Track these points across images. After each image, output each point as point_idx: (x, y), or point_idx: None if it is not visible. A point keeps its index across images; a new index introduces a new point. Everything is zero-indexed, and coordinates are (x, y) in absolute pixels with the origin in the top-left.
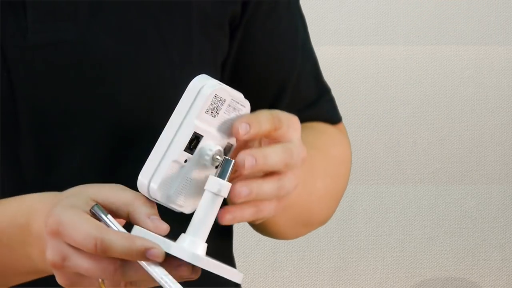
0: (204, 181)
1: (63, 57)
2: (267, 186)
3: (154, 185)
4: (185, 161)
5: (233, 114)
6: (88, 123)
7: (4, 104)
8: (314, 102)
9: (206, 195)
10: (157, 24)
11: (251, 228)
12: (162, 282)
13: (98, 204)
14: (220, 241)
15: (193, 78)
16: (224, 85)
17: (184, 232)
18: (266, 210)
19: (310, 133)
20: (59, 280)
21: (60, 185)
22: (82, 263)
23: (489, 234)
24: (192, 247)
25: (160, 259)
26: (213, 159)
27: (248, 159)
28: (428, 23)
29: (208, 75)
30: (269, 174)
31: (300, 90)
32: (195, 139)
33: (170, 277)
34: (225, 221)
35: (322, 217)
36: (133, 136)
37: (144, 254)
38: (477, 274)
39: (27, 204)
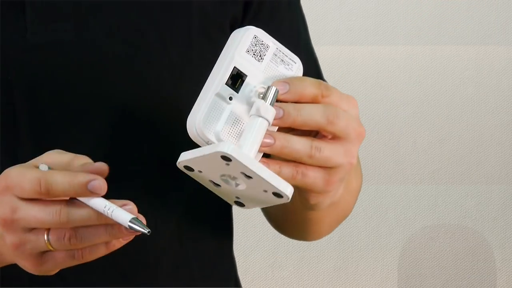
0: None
1: (62, 57)
2: (299, 139)
3: (200, 120)
4: (230, 98)
5: (281, 67)
6: (87, 123)
7: (2, 105)
8: None
9: (251, 119)
10: (157, 24)
11: (251, 228)
12: (105, 211)
13: (43, 164)
14: (221, 240)
15: (193, 78)
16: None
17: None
18: (309, 176)
19: None
20: (9, 240)
21: None
22: (30, 211)
23: (489, 234)
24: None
25: (103, 191)
26: (258, 95)
27: (280, 108)
28: (428, 23)
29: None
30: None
31: None
32: (239, 78)
33: (113, 204)
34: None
35: (351, 211)
36: (133, 137)
37: (86, 187)
38: (477, 274)
39: None
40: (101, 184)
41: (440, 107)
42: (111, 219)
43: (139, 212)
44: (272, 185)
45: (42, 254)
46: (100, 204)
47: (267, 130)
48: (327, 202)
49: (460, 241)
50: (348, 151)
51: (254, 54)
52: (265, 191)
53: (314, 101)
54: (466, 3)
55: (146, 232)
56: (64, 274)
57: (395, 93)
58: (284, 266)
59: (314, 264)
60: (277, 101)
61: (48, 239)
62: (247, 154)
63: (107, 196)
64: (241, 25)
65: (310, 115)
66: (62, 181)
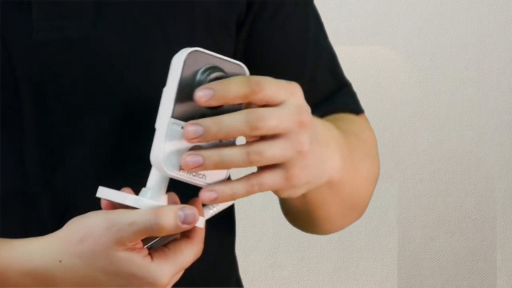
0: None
1: (68, 54)
2: (232, 151)
3: (163, 157)
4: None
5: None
6: (92, 120)
7: (8, 101)
8: (332, 96)
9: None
10: (161, 22)
11: (251, 228)
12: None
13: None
14: (222, 239)
15: None
16: (202, 49)
17: None
18: (267, 182)
19: (340, 121)
20: None
21: (63, 182)
22: None
23: (489, 234)
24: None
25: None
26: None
27: (192, 128)
28: (428, 23)
29: None
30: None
31: (317, 84)
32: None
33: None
34: (204, 199)
35: (367, 199)
36: (138, 133)
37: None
38: (477, 274)
39: (48, 277)
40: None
41: (440, 107)
42: None
43: None
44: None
45: None
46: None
47: (193, 150)
48: (300, 191)
49: (460, 241)
50: (294, 142)
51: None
52: None
53: (245, 100)
54: (466, 3)
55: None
56: None
57: (395, 93)
58: (284, 266)
59: (314, 264)
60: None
61: None
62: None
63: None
64: (243, 24)
65: (231, 126)
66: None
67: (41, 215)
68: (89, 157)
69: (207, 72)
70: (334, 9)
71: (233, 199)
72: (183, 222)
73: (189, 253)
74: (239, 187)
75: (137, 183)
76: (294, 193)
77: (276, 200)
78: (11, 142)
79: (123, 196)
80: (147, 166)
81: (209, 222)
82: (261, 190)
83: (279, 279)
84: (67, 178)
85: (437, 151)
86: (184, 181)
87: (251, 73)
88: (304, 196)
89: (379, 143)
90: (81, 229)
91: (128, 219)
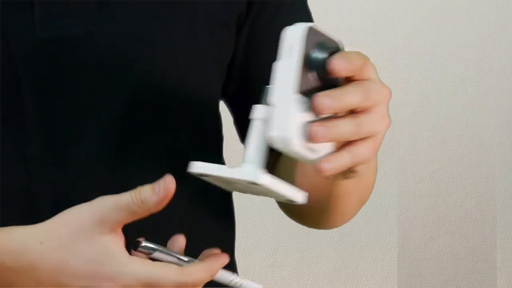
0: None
1: (70, 52)
2: (344, 123)
3: (291, 131)
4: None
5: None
6: (95, 118)
7: (11, 100)
8: None
9: (253, 124)
10: (163, 21)
11: (251, 228)
12: (232, 283)
13: (142, 241)
14: (223, 239)
15: (198, 75)
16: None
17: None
18: (362, 153)
19: None
20: None
21: (67, 180)
22: None
23: (489, 234)
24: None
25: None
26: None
27: (323, 100)
28: (428, 23)
29: (212, 73)
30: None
31: None
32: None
33: (238, 277)
34: (324, 169)
35: (371, 190)
36: (140, 131)
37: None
38: (477, 274)
39: (28, 259)
40: (225, 261)
41: (440, 107)
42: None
43: None
44: (290, 197)
45: None
46: (227, 276)
47: (320, 121)
48: (368, 167)
49: (460, 241)
50: (382, 114)
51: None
52: (277, 196)
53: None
54: (466, 3)
55: None
56: None
57: (395, 93)
58: (284, 266)
59: (314, 264)
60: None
61: None
62: (272, 178)
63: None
64: (244, 23)
65: (352, 98)
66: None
67: (44, 212)
68: (92, 155)
69: (323, 48)
70: (334, 9)
71: (343, 169)
72: (160, 191)
73: (171, 274)
74: (346, 158)
75: (137, 181)
76: (366, 167)
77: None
78: (14, 140)
79: (222, 168)
80: (150, 163)
81: (209, 222)
82: (358, 162)
83: (279, 279)
84: (70, 175)
85: (437, 151)
86: (299, 157)
87: (251, 72)
88: (332, 186)
89: None
90: (67, 215)
91: (110, 201)
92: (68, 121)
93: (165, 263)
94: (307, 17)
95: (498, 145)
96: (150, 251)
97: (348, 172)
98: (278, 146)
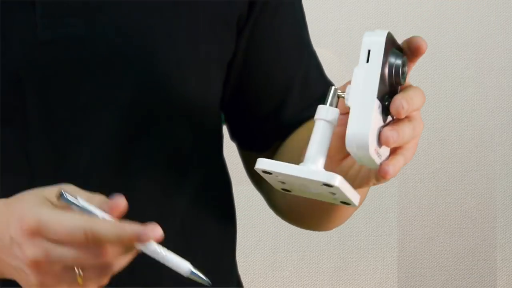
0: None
1: (72, 52)
2: (406, 127)
3: (371, 136)
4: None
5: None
6: (97, 118)
7: (13, 100)
8: (324, 97)
9: (317, 124)
10: (165, 21)
11: (251, 228)
12: (160, 256)
13: (63, 190)
14: (224, 239)
15: (200, 75)
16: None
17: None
18: (410, 155)
19: None
20: (32, 280)
21: (70, 180)
22: (68, 254)
23: (489, 234)
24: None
25: (150, 240)
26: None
27: (403, 103)
28: (428, 23)
29: (213, 73)
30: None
31: (310, 85)
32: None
33: (166, 250)
34: (389, 172)
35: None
36: (142, 130)
37: (136, 239)
38: (477, 274)
39: None
40: (150, 235)
41: (440, 107)
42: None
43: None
44: (349, 199)
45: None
46: (155, 250)
47: (391, 125)
48: None
49: (460, 241)
50: (420, 117)
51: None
52: (335, 198)
53: None
54: (466, 3)
55: (206, 283)
56: None
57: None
58: (284, 266)
59: (314, 264)
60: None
61: (80, 274)
62: (345, 181)
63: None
64: (246, 23)
65: (418, 101)
66: (111, 233)
67: None
68: (94, 155)
69: (397, 55)
70: (334, 9)
71: (400, 144)
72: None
73: (69, 219)
74: (401, 161)
75: (139, 181)
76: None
77: None
78: (17, 141)
79: (289, 166)
80: (152, 163)
81: (210, 222)
82: (405, 164)
83: (279, 279)
84: (72, 176)
85: (437, 151)
86: (368, 162)
87: (250, 71)
88: None
89: None
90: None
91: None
92: (70, 121)
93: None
94: (303, 17)
95: (498, 145)
96: (69, 203)
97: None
98: (354, 150)
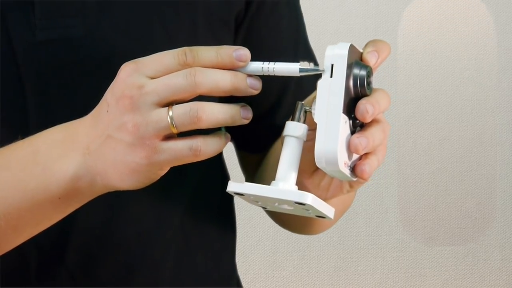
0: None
1: (71, 52)
2: (376, 131)
3: (340, 152)
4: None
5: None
6: None
7: (13, 100)
8: None
9: (286, 141)
10: (163, 21)
11: (251, 228)
12: (265, 68)
13: None
14: (224, 239)
15: None
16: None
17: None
18: (382, 156)
19: None
20: (131, 121)
21: None
22: (159, 81)
23: (489, 234)
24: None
25: (248, 59)
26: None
27: (367, 107)
28: (428, 23)
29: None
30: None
31: (303, 85)
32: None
33: (267, 62)
34: (367, 171)
35: (352, 201)
36: None
37: (232, 55)
38: (477, 274)
39: (64, 124)
40: (247, 53)
41: (440, 107)
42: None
43: (142, 208)
44: (324, 214)
45: (160, 142)
46: (258, 65)
47: (359, 133)
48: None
49: (460, 241)
50: (385, 120)
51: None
52: (309, 213)
53: None
54: (466, 3)
55: (321, 70)
56: (71, 268)
57: (395, 93)
58: (284, 266)
59: (314, 264)
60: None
61: (171, 116)
62: (315, 198)
63: (110, 193)
64: (242, 22)
65: (385, 104)
66: (208, 50)
67: None
68: None
69: (361, 66)
70: (334, 9)
71: (370, 150)
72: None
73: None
74: (375, 162)
75: None
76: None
77: None
78: (16, 140)
79: (258, 187)
80: None
81: (210, 222)
82: (379, 165)
83: (279, 279)
84: None
85: (437, 151)
86: (339, 175)
87: None
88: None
89: None
90: None
91: None
92: (69, 121)
93: None
94: (300, 17)
95: (498, 145)
96: None
97: (355, 185)
98: (323, 165)
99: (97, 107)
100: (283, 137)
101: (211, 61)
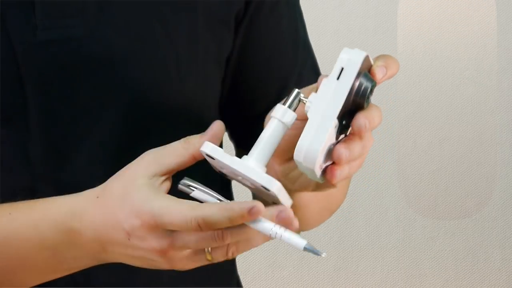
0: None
1: (72, 52)
2: (357, 146)
3: (321, 152)
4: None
5: None
6: (97, 118)
7: (14, 100)
8: None
9: (271, 122)
10: (164, 21)
11: None
12: (273, 234)
13: (185, 178)
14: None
15: (199, 73)
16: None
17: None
18: (355, 169)
19: None
20: (164, 265)
21: (70, 180)
22: (190, 240)
23: (489, 234)
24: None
25: (262, 213)
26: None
27: (366, 123)
28: (428, 23)
29: (212, 72)
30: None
31: (303, 83)
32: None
33: (279, 227)
34: (335, 178)
35: (340, 201)
36: (142, 130)
37: (247, 216)
38: (477, 274)
39: (68, 208)
40: (260, 209)
41: (440, 107)
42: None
43: None
44: (283, 203)
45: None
46: (268, 227)
47: (343, 144)
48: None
49: (460, 241)
50: (371, 135)
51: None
52: (268, 193)
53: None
54: (466, 3)
55: (322, 255)
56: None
57: (395, 93)
58: (284, 266)
59: (314, 264)
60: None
61: (209, 253)
62: (282, 187)
63: None
64: (242, 22)
65: (378, 119)
66: (221, 217)
67: None
68: (95, 154)
69: (369, 79)
70: (334, 9)
71: (343, 180)
72: (206, 133)
73: (182, 209)
74: (346, 171)
75: None
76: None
77: None
78: (17, 141)
79: (228, 157)
80: None
81: None
82: (350, 176)
83: (279, 279)
84: (73, 175)
85: (437, 151)
86: (310, 173)
87: (244, 70)
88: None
89: (379, 143)
90: (123, 173)
91: (157, 152)
92: (70, 121)
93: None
94: (300, 17)
95: (498, 145)
96: (189, 189)
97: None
98: (300, 160)
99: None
100: (269, 117)
101: (225, 228)
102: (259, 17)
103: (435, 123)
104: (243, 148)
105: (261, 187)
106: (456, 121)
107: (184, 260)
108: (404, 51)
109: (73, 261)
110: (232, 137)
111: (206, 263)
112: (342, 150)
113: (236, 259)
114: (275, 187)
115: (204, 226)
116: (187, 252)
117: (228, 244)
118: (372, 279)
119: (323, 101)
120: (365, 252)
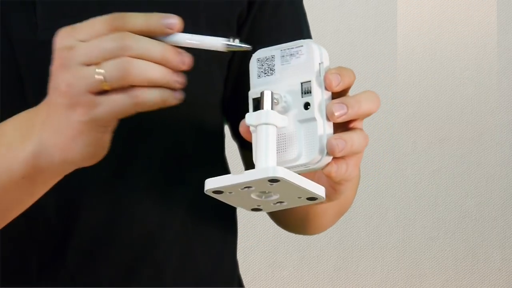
0: (296, 128)
1: None
2: (357, 136)
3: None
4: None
5: (293, 60)
6: None
7: (14, 100)
8: None
9: (257, 129)
10: None
11: (251, 228)
12: (191, 42)
13: None
14: (225, 238)
15: (200, 74)
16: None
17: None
18: (353, 165)
19: None
20: (62, 81)
21: (71, 184)
22: (89, 44)
23: (489, 234)
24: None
25: (178, 26)
26: (281, 100)
27: (338, 107)
28: (428, 23)
29: (215, 73)
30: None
31: None
32: (258, 102)
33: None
34: (333, 173)
35: (350, 203)
36: (143, 131)
37: (162, 24)
38: (477, 274)
39: (28, 110)
40: (177, 21)
41: (440, 107)
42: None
43: (143, 208)
44: (312, 192)
45: (96, 96)
46: (183, 37)
47: (338, 134)
48: (349, 185)
49: (460, 241)
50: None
51: (265, 73)
52: (300, 197)
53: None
54: (466, 3)
55: (248, 48)
56: (72, 268)
57: (395, 93)
58: (284, 266)
59: (314, 264)
60: (332, 94)
61: (100, 72)
62: (290, 172)
63: (112, 193)
64: (245, 22)
65: (368, 104)
66: (137, 17)
67: (46, 214)
68: None
69: (323, 65)
70: (334, 9)
71: (341, 177)
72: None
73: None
74: (344, 167)
75: (140, 181)
76: (347, 186)
77: None
78: None
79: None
80: (153, 163)
81: (211, 224)
82: (349, 174)
83: (279, 279)
84: (73, 177)
85: (437, 151)
86: (313, 170)
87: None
88: (310, 206)
89: (379, 143)
90: None
91: None
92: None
93: None
94: (304, 17)
95: (498, 145)
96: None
97: (335, 194)
98: (306, 162)
99: None
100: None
101: (140, 26)
102: (262, 18)
103: (435, 123)
104: (247, 148)
105: (269, 183)
106: (456, 121)
107: (74, 72)
108: (404, 51)
109: (25, 155)
110: (236, 137)
111: (96, 79)
112: (333, 142)
113: (237, 258)
114: (279, 172)
115: (119, 18)
116: (77, 63)
117: (121, 60)
118: (372, 279)
119: (321, 99)
120: (365, 252)
